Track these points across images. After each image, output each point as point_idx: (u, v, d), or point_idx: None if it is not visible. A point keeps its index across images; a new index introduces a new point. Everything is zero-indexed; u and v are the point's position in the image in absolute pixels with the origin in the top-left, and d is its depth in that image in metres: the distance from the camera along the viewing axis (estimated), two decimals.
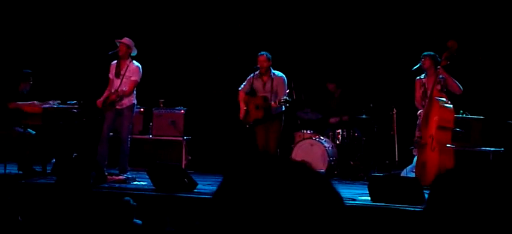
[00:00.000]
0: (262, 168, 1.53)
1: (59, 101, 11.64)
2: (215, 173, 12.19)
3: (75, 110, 11.74)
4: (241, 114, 11.64)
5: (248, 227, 1.46)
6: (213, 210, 1.52)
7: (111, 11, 14.78)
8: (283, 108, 11.63)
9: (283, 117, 11.66)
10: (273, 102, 11.31)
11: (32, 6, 15.00)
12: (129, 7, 14.84)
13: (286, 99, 11.23)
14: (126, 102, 11.30)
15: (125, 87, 11.22)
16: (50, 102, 11.52)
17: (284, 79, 11.57)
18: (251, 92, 11.59)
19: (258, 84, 11.57)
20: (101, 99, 11.36)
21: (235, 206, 1.49)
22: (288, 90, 11.47)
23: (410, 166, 10.59)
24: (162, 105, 13.54)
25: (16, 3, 15.02)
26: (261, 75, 11.55)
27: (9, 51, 14.48)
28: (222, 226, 1.49)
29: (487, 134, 11.86)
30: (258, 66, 11.50)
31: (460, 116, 11.15)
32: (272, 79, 11.51)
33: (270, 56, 11.53)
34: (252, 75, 11.61)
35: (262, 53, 11.55)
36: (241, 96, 11.66)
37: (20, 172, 11.17)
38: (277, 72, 11.61)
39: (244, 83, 11.75)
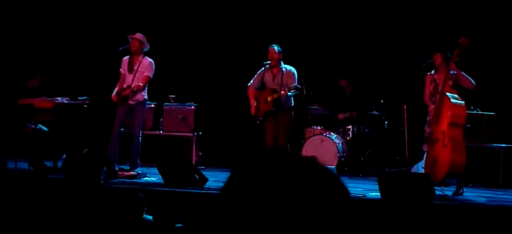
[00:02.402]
0: (269, 163, 1.53)
1: (68, 98, 11.66)
2: (225, 169, 12.17)
3: (86, 106, 11.76)
4: (253, 111, 11.59)
5: (256, 222, 1.46)
6: (220, 205, 1.52)
7: (120, 6, 14.80)
8: (293, 103, 11.59)
9: (293, 113, 11.61)
10: (282, 91, 11.25)
11: (42, 3, 15.03)
12: (139, 2, 14.86)
13: (296, 86, 11.19)
14: (138, 97, 11.31)
15: (137, 83, 11.23)
16: (58, 98, 11.54)
17: (294, 72, 11.52)
18: (261, 86, 11.56)
19: (267, 77, 11.52)
20: (114, 93, 11.37)
21: (243, 202, 1.49)
22: (299, 86, 11.39)
23: (420, 162, 10.56)
24: (172, 101, 13.55)
25: (25, 0, 15.06)
26: (270, 68, 11.50)
27: (19, 48, 14.52)
28: (230, 222, 1.49)
29: (497, 131, 11.85)
30: (268, 58, 11.46)
31: (471, 112, 11.13)
32: (282, 72, 11.47)
33: (281, 49, 11.50)
34: (262, 69, 11.58)
35: (272, 45, 11.52)
36: (251, 93, 11.62)
37: (31, 168, 11.21)
38: (287, 66, 11.57)
39: (253, 79, 11.71)
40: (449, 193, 9.73)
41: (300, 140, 12.75)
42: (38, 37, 14.83)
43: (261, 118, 11.47)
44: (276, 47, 11.47)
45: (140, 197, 7.32)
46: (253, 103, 11.57)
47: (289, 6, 14.27)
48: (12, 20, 14.86)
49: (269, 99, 11.40)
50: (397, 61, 13.21)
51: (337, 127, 13.00)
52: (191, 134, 13.16)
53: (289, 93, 11.23)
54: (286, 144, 11.48)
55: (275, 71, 11.50)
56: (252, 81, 11.69)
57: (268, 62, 11.44)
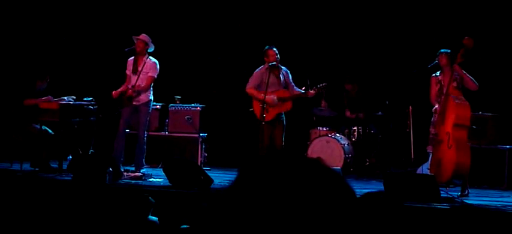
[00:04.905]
0: (276, 165, 1.53)
1: (74, 97, 11.67)
2: (231, 170, 12.19)
3: (91, 107, 11.78)
4: (258, 112, 11.52)
5: (261, 223, 1.47)
6: (226, 206, 1.53)
7: (126, 7, 14.82)
8: None
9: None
10: (311, 91, 11.37)
11: (49, 3, 15.05)
12: (144, 3, 14.88)
13: (325, 85, 11.39)
14: (143, 98, 11.32)
15: (141, 83, 11.24)
16: (65, 98, 11.56)
17: (289, 72, 11.61)
18: (262, 87, 11.53)
19: (271, 78, 11.39)
20: (118, 91, 11.37)
21: (249, 202, 1.49)
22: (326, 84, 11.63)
23: (426, 163, 10.57)
24: (178, 102, 13.55)
25: (32, 1, 15.08)
26: (273, 70, 11.43)
27: (26, 49, 14.54)
28: (235, 222, 1.50)
29: (502, 131, 11.84)
30: (272, 60, 11.37)
31: (476, 113, 11.12)
32: (283, 73, 11.51)
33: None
34: (260, 69, 11.53)
35: (271, 47, 11.45)
36: (256, 93, 11.52)
37: (34, 169, 11.21)
38: (283, 67, 11.60)
39: (251, 80, 11.60)
40: (455, 194, 9.73)
41: (305, 141, 12.75)
42: (44, 38, 14.84)
43: (273, 117, 11.38)
44: (275, 49, 11.43)
45: (147, 198, 7.34)
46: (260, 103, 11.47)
47: (294, 8, 14.26)
48: (22, 21, 14.88)
49: (286, 99, 11.39)
50: (402, 62, 13.20)
51: (342, 128, 12.99)
52: (197, 135, 13.16)
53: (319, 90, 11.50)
54: (282, 144, 11.44)
55: (277, 72, 11.48)
56: (250, 82, 11.58)
57: (274, 63, 11.36)
